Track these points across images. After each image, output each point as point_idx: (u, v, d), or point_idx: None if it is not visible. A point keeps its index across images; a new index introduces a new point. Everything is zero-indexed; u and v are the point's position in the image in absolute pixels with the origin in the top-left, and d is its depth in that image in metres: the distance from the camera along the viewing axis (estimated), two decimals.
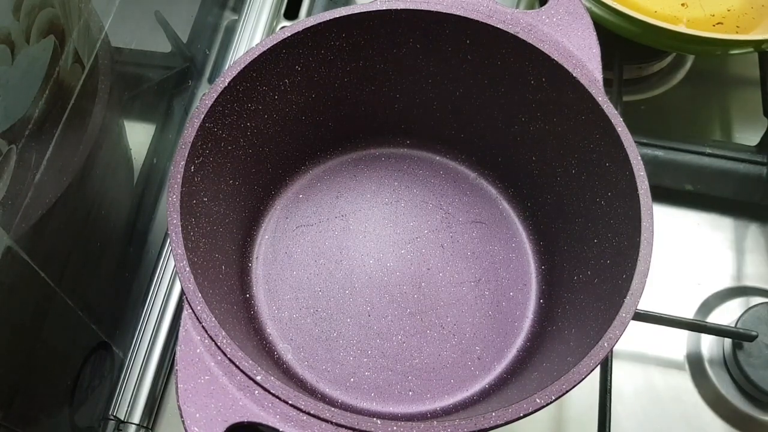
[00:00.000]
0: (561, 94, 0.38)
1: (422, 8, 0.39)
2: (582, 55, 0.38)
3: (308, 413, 0.29)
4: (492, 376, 0.41)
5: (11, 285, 0.31)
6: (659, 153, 0.50)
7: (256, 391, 0.30)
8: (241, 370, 0.30)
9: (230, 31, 0.58)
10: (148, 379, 0.43)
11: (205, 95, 0.36)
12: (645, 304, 0.35)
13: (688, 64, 0.58)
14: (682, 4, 0.55)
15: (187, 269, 0.32)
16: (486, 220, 0.46)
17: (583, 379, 0.30)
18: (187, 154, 0.35)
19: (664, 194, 0.51)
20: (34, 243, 0.32)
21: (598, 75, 0.38)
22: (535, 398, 0.29)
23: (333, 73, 0.42)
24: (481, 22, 0.38)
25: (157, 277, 0.47)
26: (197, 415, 0.29)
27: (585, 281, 0.38)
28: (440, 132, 0.47)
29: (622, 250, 0.35)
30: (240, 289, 0.42)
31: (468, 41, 0.40)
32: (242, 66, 0.37)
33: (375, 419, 0.29)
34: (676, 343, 0.46)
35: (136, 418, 0.42)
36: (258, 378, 0.30)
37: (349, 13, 0.39)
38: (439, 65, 0.42)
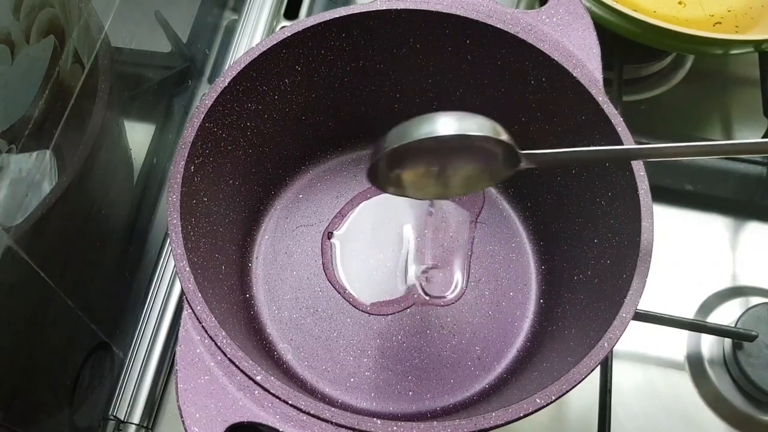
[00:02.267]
0: (561, 94, 0.38)
1: (422, 8, 0.39)
2: (582, 55, 0.38)
3: (308, 413, 0.29)
4: (492, 376, 0.41)
5: (11, 285, 0.31)
6: None
7: (256, 391, 0.29)
8: (241, 370, 0.30)
9: (230, 31, 0.58)
10: (148, 379, 0.43)
11: (205, 95, 0.36)
12: (645, 304, 0.35)
13: (688, 64, 0.57)
14: (680, 3, 0.55)
15: (187, 269, 0.32)
16: (486, 220, 0.46)
17: (584, 379, 0.30)
18: (186, 154, 0.35)
19: (664, 194, 0.51)
20: (34, 243, 0.32)
21: (598, 75, 0.38)
22: (535, 398, 0.29)
23: (333, 73, 0.42)
24: (481, 22, 0.38)
25: (157, 277, 0.47)
26: (197, 415, 0.29)
27: (585, 281, 0.38)
28: None
29: (623, 250, 0.35)
30: (240, 289, 0.42)
31: (468, 41, 0.40)
32: (242, 66, 0.37)
33: (375, 419, 0.29)
34: (676, 343, 0.46)
35: (136, 418, 0.42)
36: (258, 378, 0.30)
37: (349, 13, 0.39)
38: (439, 65, 0.42)
